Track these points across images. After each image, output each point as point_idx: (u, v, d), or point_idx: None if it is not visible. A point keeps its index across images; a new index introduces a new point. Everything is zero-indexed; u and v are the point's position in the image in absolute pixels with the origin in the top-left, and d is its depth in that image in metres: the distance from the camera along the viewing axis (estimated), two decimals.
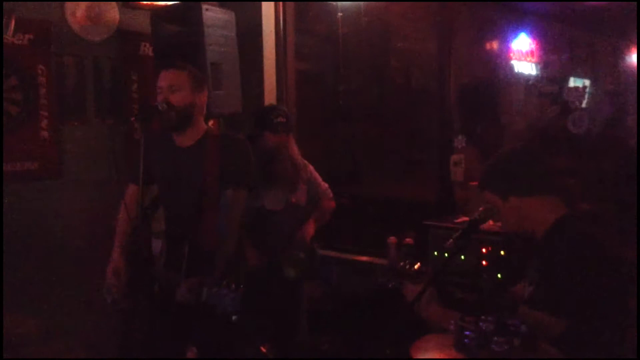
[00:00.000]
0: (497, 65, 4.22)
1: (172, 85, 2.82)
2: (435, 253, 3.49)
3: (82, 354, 3.92)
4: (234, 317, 2.39)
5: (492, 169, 2.38)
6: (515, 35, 4.25)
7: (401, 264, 2.36)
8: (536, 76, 4.22)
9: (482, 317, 1.96)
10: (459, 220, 3.64)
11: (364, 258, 4.20)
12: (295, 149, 3.68)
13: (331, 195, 3.81)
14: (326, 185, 3.81)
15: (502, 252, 3.34)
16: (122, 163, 3.85)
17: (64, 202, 3.96)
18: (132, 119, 2.83)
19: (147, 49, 4.25)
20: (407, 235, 3.98)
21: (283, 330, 3.51)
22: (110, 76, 4.16)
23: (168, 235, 2.85)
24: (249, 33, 4.44)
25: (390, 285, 2.34)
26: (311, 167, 3.78)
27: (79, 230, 3.98)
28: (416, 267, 2.34)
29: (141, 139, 2.67)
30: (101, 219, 3.44)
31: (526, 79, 4.14)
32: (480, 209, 2.38)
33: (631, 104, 3.75)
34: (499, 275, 3.27)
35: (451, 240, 2.34)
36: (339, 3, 4.10)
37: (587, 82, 3.83)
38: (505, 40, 4.28)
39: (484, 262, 3.33)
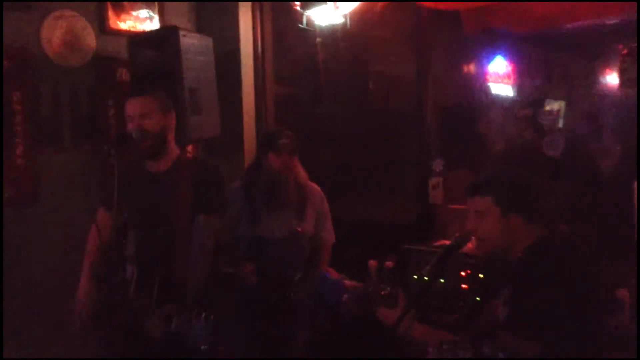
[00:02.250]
0: (475, 88, 4.26)
1: (143, 113, 2.81)
2: (415, 277, 3.48)
3: None
4: (202, 347, 2.36)
5: (501, 180, 2.32)
6: (492, 58, 4.30)
7: (370, 289, 2.35)
8: (513, 98, 4.26)
9: (460, 344, 1.95)
10: (438, 243, 3.65)
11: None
12: (302, 173, 3.58)
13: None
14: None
15: (480, 275, 3.35)
16: (99, 190, 3.87)
17: (39, 229, 3.90)
18: (105, 147, 2.81)
19: (124, 75, 4.23)
20: (388, 258, 3.96)
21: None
22: (86, 102, 4.13)
23: (139, 261, 2.81)
24: (227, 57, 4.44)
25: (361, 312, 2.33)
26: (324, 198, 3.66)
27: (54, 258, 3.92)
28: (383, 292, 2.33)
29: (115, 164, 2.64)
30: (77, 246, 3.40)
31: (503, 101, 4.18)
32: (457, 234, 2.38)
33: (607, 125, 3.79)
34: (477, 299, 3.27)
35: (428, 266, 2.34)
36: (318, 28, 4.12)
37: (562, 104, 3.87)
38: (482, 63, 4.32)
39: (463, 286, 3.33)
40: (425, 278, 2.39)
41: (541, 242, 2.22)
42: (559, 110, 3.66)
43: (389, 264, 3.96)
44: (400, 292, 2.30)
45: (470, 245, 2.57)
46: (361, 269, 4.01)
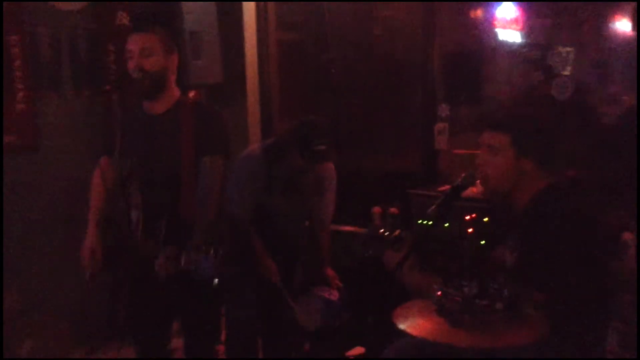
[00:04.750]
0: (482, 34, 4.17)
1: (143, 49, 2.74)
2: (419, 221, 3.47)
3: (64, 326, 3.91)
4: (215, 281, 2.36)
5: (522, 119, 2.27)
6: (500, 3, 4.19)
7: (380, 231, 2.32)
8: (520, 44, 4.18)
9: (465, 282, 1.94)
10: (442, 188, 3.62)
11: (348, 228, 4.17)
12: (332, 174, 3.46)
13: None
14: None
15: (485, 219, 3.33)
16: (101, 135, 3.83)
17: (41, 175, 3.89)
18: (107, 88, 2.76)
19: (124, 19, 4.14)
20: (392, 205, 3.96)
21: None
22: (86, 47, 4.06)
23: (144, 206, 2.79)
24: (229, 1, 4.35)
25: (370, 254, 2.31)
26: (334, 178, 3.55)
27: (56, 204, 3.91)
28: (395, 234, 2.30)
29: (117, 109, 2.61)
30: (79, 192, 3.39)
31: (510, 46, 4.09)
32: (462, 174, 2.35)
33: (615, 73, 3.73)
34: (482, 242, 3.26)
35: (433, 207, 2.31)
36: None
37: (570, 50, 3.79)
38: (489, 8, 4.22)
39: (468, 230, 3.31)
40: (429, 222, 2.34)
41: (551, 188, 2.19)
42: (568, 53, 3.58)
43: (393, 210, 3.98)
44: (408, 236, 2.27)
45: (474, 190, 2.55)
46: (366, 215, 4.04)
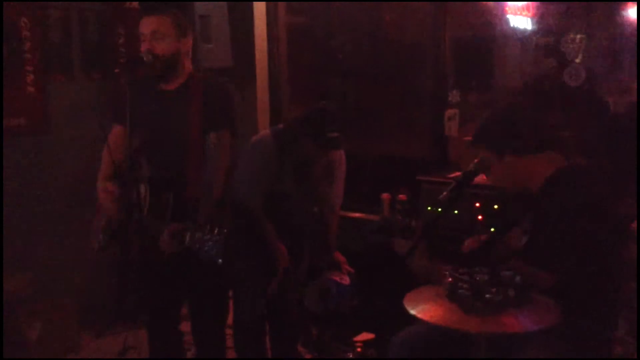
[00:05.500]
0: (492, 20, 4.14)
1: (155, 32, 2.71)
2: (428, 208, 3.46)
3: (73, 309, 3.93)
4: (219, 261, 2.35)
5: (487, 125, 2.36)
6: None
7: (391, 219, 2.33)
8: (531, 30, 4.14)
9: (476, 269, 1.94)
10: (453, 175, 3.60)
11: (357, 215, 4.17)
12: (342, 160, 3.42)
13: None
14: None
15: (495, 207, 3.31)
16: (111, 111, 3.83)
17: (52, 158, 3.89)
18: (116, 70, 2.74)
19: (133, 2, 4.13)
20: (401, 191, 3.95)
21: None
22: (96, 29, 4.06)
23: (151, 181, 2.78)
24: None
25: (380, 241, 2.32)
26: (343, 162, 3.52)
27: (65, 188, 3.92)
28: (406, 222, 2.31)
29: (125, 86, 2.59)
30: (88, 175, 3.40)
31: (521, 33, 4.05)
32: (475, 160, 2.35)
33: (624, 62, 3.69)
34: (492, 230, 3.26)
35: (445, 193, 2.31)
36: None
37: (583, 37, 3.76)
38: None
39: (479, 217, 3.30)
40: (439, 209, 2.35)
41: (559, 173, 2.20)
42: (581, 40, 3.54)
43: (402, 196, 3.97)
44: (418, 224, 2.28)
45: (484, 177, 2.54)
46: (375, 201, 4.04)
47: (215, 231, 2.36)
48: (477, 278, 1.88)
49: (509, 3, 4.17)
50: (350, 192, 3.66)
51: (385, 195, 4.03)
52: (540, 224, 2.14)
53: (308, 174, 3.35)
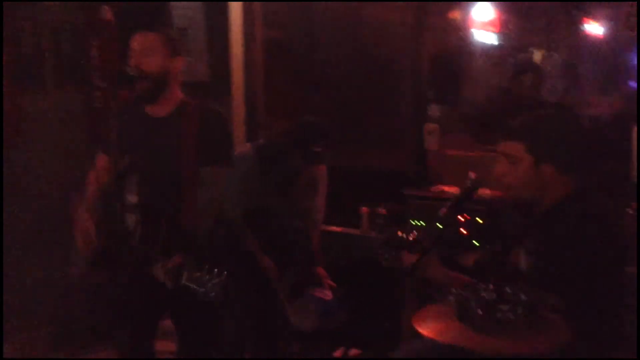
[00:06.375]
0: (465, 35, 4.21)
1: (144, 49, 2.65)
2: (413, 222, 3.48)
3: (44, 330, 3.81)
4: (216, 302, 2.29)
5: (540, 127, 2.18)
6: (478, 5, 4.23)
7: (399, 234, 2.31)
8: (500, 46, 4.23)
9: (483, 285, 1.92)
10: (437, 189, 3.64)
11: (337, 228, 4.16)
12: (324, 174, 3.44)
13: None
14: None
15: (480, 220, 3.36)
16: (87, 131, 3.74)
17: (24, 172, 3.77)
18: (104, 86, 2.66)
19: (108, 13, 4.03)
20: (381, 205, 3.96)
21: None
22: (69, 42, 3.95)
23: (142, 210, 2.71)
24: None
25: (387, 258, 2.29)
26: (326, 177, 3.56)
27: (37, 202, 3.80)
28: (411, 237, 2.29)
29: (113, 107, 2.52)
30: (62, 189, 3.31)
31: (498, 49, 4.13)
32: (472, 176, 2.33)
33: (585, 75, 3.79)
34: (476, 243, 3.29)
35: (444, 209, 2.29)
36: None
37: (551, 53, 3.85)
38: (469, 10, 4.26)
39: (463, 231, 3.33)
40: (442, 224, 2.31)
41: (577, 193, 2.14)
42: (559, 56, 3.63)
43: (382, 210, 3.98)
44: (424, 237, 2.25)
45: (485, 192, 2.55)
46: (355, 215, 4.04)
47: (215, 272, 2.30)
48: (486, 297, 1.87)
49: (475, 18, 4.25)
50: (330, 206, 3.66)
51: (364, 209, 4.04)
52: (550, 244, 2.08)
53: (291, 189, 3.34)
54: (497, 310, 1.83)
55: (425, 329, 1.86)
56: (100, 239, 2.67)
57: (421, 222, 3.48)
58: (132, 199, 2.72)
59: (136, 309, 2.80)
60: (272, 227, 3.39)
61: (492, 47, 4.25)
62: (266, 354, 3.50)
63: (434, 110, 3.95)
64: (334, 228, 4.15)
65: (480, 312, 1.83)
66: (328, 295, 3.44)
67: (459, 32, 4.28)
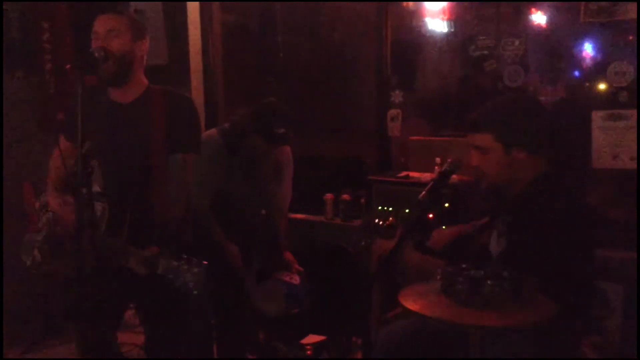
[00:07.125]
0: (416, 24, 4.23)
1: (110, 30, 2.55)
2: (380, 208, 3.49)
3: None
4: (195, 292, 2.23)
5: (501, 115, 2.22)
6: None
7: (376, 220, 2.30)
8: (454, 33, 4.26)
9: (463, 265, 1.94)
10: (402, 174, 3.65)
11: (300, 216, 4.14)
12: (289, 159, 3.43)
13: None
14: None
15: (446, 205, 3.38)
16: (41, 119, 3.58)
17: None
18: (67, 67, 2.54)
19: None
20: (345, 191, 3.96)
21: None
22: (18, 25, 3.77)
23: (109, 198, 2.61)
24: None
25: (364, 244, 2.29)
26: (291, 161, 3.53)
27: None
28: (388, 222, 2.29)
29: (78, 91, 2.40)
30: (16, 176, 3.16)
31: (463, 35, 4.16)
32: (449, 160, 2.35)
33: (533, 66, 3.87)
34: (443, 227, 3.33)
35: (423, 193, 2.30)
36: None
37: (521, 40, 3.89)
38: None
39: (429, 215, 3.35)
40: (421, 208, 2.31)
41: (545, 176, 2.19)
42: (520, 43, 3.68)
43: (345, 196, 3.98)
44: (398, 222, 2.26)
45: (456, 177, 2.56)
46: (319, 202, 4.02)
47: (194, 262, 2.23)
48: (472, 273, 1.89)
49: (427, 6, 4.28)
50: (294, 193, 3.63)
51: (328, 196, 4.03)
52: (523, 228, 2.12)
53: (256, 173, 3.30)
54: (483, 285, 1.85)
55: (412, 304, 1.86)
56: (66, 226, 2.57)
57: (389, 208, 3.51)
58: (97, 187, 2.62)
59: (101, 300, 2.70)
60: (237, 212, 3.34)
61: (446, 34, 4.28)
62: (233, 342, 3.46)
63: (397, 96, 3.95)
64: (299, 215, 4.13)
65: (465, 287, 1.84)
66: (295, 279, 3.42)
67: (414, 19, 4.30)
